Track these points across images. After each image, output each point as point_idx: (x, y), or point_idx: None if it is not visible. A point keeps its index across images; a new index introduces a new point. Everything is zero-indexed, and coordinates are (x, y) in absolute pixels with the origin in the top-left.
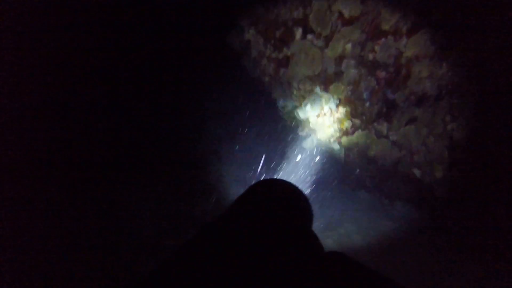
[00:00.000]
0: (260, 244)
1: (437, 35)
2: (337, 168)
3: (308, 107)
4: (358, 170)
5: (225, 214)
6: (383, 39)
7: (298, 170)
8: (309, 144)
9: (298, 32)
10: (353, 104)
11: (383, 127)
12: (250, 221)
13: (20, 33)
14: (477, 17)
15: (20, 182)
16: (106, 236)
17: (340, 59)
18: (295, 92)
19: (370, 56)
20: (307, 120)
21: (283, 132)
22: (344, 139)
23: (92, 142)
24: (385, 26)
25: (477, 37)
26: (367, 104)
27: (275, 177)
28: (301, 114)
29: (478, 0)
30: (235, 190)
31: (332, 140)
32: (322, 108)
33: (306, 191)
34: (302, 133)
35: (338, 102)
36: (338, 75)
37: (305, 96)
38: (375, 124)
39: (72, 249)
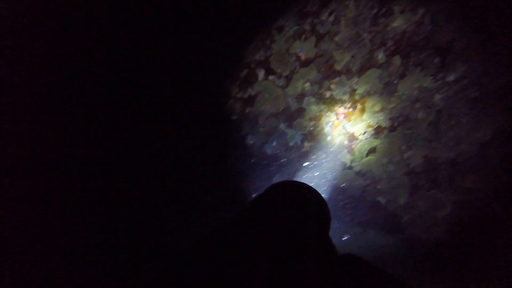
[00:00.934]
0: (274, 244)
1: (383, 73)
2: None
3: (275, 142)
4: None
5: (241, 213)
6: (337, 78)
7: None
8: (278, 178)
9: (261, 73)
10: (317, 138)
11: (347, 159)
12: (265, 221)
13: (20, 33)
14: (416, 56)
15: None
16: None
17: (300, 96)
18: (261, 129)
19: (328, 94)
20: (274, 155)
21: (252, 167)
22: None
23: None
24: (338, 67)
25: (418, 72)
26: (329, 138)
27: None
28: (268, 149)
29: (417, 41)
30: None
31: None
32: (288, 143)
33: None
34: (271, 168)
35: (302, 137)
36: (300, 112)
37: (271, 132)
38: (339, 156)
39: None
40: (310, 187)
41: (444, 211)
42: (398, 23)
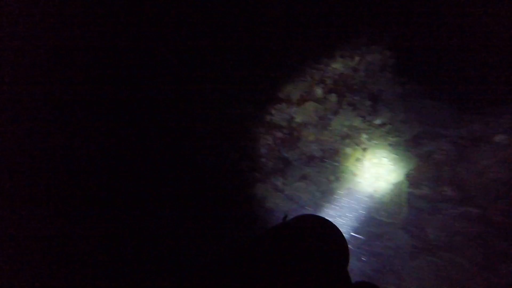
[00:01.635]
0: (293, 272)
1: (319, 107)
2: None
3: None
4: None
5: (264, 237)
6: (278, 105)
7: None
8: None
9: None
10: (253, 159)
11: (280, 181)
12: (287, 250)
13: (20, 33)
14: (350, 97)
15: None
16: None
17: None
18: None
19: (268, 118)
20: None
21: None
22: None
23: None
24: (280, 94)
25: (351, 112)
26: (263, 159)
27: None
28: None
29: (352, 84)
30: None
31: None
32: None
33: None
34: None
35: (239, 156)
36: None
37: None
38: (273, 178)
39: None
40: (332, 223)
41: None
42: (337, 65)
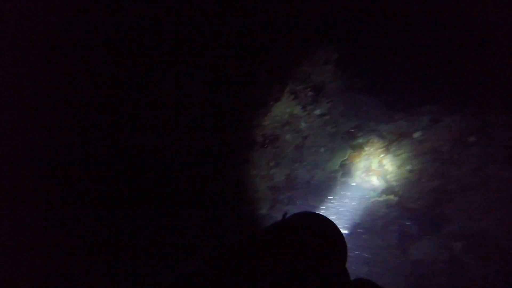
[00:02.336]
0: (290, 268)
1: (262, 92)
2: None
3: None
4: None
5: (260, 235)
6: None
7: None
8: None
9: None
10: None
11: (223, 164)
12: (284, 246)
13: (20, 33)
14: (292, 86)
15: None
16: None
17: None
18: None
19: None
20: None
21: None
22: None
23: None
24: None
25: (292, 100)
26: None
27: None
28: None
29: (296, 73)
30: None
31: None
32: None
33: None
34: None
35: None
36: None
37: None
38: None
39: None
40: (329, 220)
41: None
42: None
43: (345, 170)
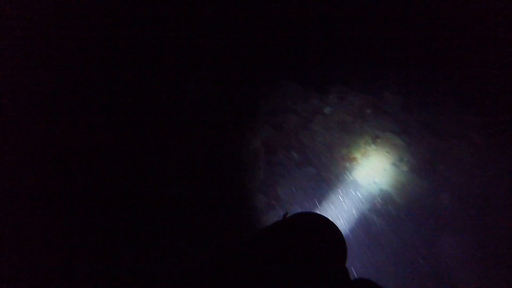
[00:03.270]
0: (292, 268)
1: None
2: None
3: None
4: None
5: (260, 235)
6: None
7: None
8: None
9: None
10: None
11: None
12: (284, 246)
13: (20, 33)
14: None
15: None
16: None
17: None
18: None
19: None
20: None
21: None
22: None
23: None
24: None
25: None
26: None
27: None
28: None
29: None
30: None
31: None
32: None
33: None
34: None
35: None
36: None
37: None
38: None
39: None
40: (329, 219)
41: None
42: None
43: (268, 148)
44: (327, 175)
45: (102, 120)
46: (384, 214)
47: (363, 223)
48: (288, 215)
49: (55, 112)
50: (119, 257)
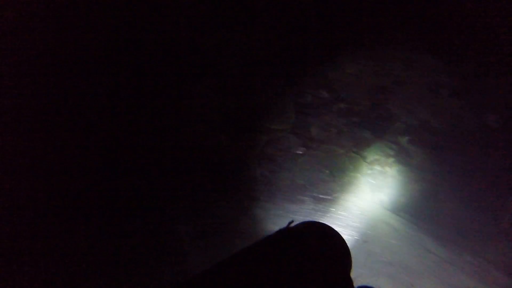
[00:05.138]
0: (295, 277)
1: None
2: None
3: None
4: None
5: (263, 243)
6: None
7: None
8: None
9: None
10: None
11: None
12: (284, 254)
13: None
14: None
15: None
16: None
17: None
18: None
19: None
20: None
21: None
22: None
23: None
24: None
25: None
26: None
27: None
28: None
29: None
30: None
31: None
32: None
33: None
34: None
35: None
36: None
37: None
38: None
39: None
40: (333, 228)
41: None
42: None
43: (296, 91)
44: (358, 108)
45: (102, 120)
46: (424, 143)
47: (403, 155)
48: (293, 223)
49: (55, 112)
50: (119, 257)
